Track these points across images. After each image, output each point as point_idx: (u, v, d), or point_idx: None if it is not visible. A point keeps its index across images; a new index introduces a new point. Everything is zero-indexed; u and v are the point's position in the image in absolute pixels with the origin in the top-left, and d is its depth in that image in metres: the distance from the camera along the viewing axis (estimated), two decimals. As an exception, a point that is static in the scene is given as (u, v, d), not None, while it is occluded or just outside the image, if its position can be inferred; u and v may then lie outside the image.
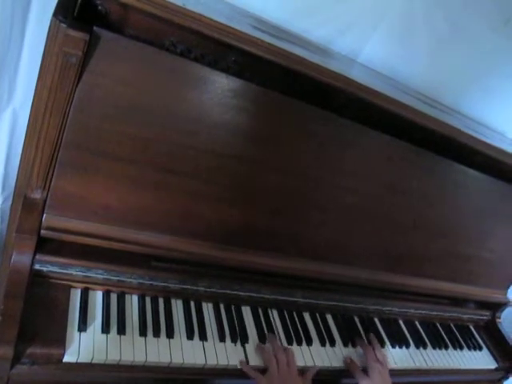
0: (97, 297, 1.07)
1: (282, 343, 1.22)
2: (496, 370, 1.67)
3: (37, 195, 0.94)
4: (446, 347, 1.57)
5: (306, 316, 1.35)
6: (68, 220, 0.96)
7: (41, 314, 0.96)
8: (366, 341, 1.36)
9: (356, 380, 1.24)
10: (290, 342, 1.24)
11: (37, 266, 0.98)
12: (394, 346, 1.44)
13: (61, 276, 1.03)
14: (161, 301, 1.14)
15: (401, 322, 1.56)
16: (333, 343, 1.31)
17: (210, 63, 0.98)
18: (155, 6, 0.85)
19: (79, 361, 0.95)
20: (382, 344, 1.41)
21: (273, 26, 1.20)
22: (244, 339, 1.17)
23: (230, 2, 1.14)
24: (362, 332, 1.41)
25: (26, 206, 0.93)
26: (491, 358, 1.69)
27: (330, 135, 1.14)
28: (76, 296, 1.04)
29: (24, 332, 0.90)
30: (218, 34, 0.91)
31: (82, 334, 0.98)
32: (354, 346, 1.35)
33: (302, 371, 1.17)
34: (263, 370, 1.12)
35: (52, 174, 0.93)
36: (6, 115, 1.27)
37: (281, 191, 1.14)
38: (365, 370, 1.26)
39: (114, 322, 1.03)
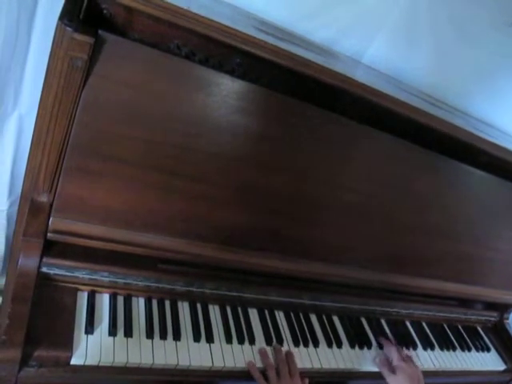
0: (103, 299, 1.07)
1: (288, 345, 1.22)
2: (504, 371, 1.66)
3: (43, 199, 0.94)
4: (454, 348, 1.57)
5: (313, 318, 1.35)
6: (74, 223, 0.97)
7: (48, 316, 0.96)
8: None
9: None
10: (296, 344, 1.23)
11: (44, 269, 0.99)
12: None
13: (67, 279, 1.03)
14: (167, 303, 1.14)
15: (408, 324, 1.55)
16: (340, 345, 1.31)
17: (215, 66, 0.99)
18: (160, 9, 0.85)
19: (86, 363, 0.96)
20: (389, 345, 1.41)
21: (277, 27, 1.20)
22: (251, 341, 1.17)
23: (233, 4, 1.14)
24: (369, 333, 1.41)
25: (32, 209, 0.94)
26: (499, 359, 1.67)
27: (335, 136, 1.14)
28: (83, 299, 1.04)
29: (31, 335, 0.91)
30: (222, 36, 0.91)
31: (89, 336, 0.99)
32: (361, 347, 1.34)
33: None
34: None
35: (58, 178, 0.93)
36: (12, 120, 1.28)
37: (286, 193, 1.14)
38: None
39: (120, 325, 1.04)
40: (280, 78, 1.04)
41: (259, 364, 1.13)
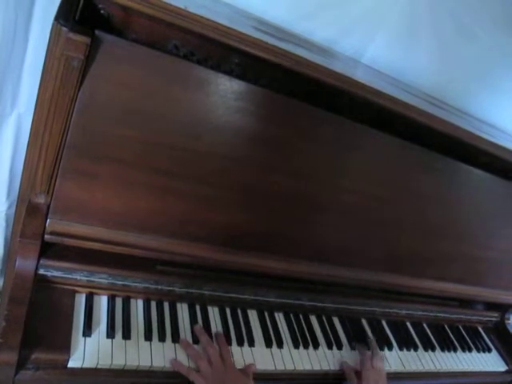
0: (101, 301, 1.07)
1: (288, 346, 1.22)
2: (506, 372, 1.65)
3: (40, 200, 0.94)
4: (455, 349, 1.56)
5: (313, 319, 1.34)
6: (72, 224, 0.96)
7: (45, 319, 0.96)
8: (366, 346, 1.34)
9: None
10: (296, 346, 1.23)
11: (41, 271, 0.98)
12: (401, 349, 1.42)
13: (65, 281, 1.03)
14: (166, 305, 1.13)
15: (408, 325, 1.55)
16: (340, 346, 1.30)
17: (213, 66, 0.98)
18: (157, 9, 0.84)
19: (84, 366, 0.95)
20: (390, 347, 1.40)
21: (276, 27, 1.19)
22: (250, 343, 1.16)
23: (231, 3, 1.13)
24: (369, 335, 1.40)
25: (29, 210, 0.93)
26: (501, 359, 1.67)
27: (334, 136, 1.13)
28: (80, 301, 1.04)
29: (28, 337, 0.90)
30: (220, 36, 0.90)
31: (87, 338, 0.98)
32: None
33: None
34: None
35: (55, 179, 0.92)
36: (10, 121, 1.27)
37: (285, 194, 1.13)
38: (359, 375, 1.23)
39: (118, 327, 1.03)
40: (279, 78, 1.03)
41: (259, 366, 1.12)
